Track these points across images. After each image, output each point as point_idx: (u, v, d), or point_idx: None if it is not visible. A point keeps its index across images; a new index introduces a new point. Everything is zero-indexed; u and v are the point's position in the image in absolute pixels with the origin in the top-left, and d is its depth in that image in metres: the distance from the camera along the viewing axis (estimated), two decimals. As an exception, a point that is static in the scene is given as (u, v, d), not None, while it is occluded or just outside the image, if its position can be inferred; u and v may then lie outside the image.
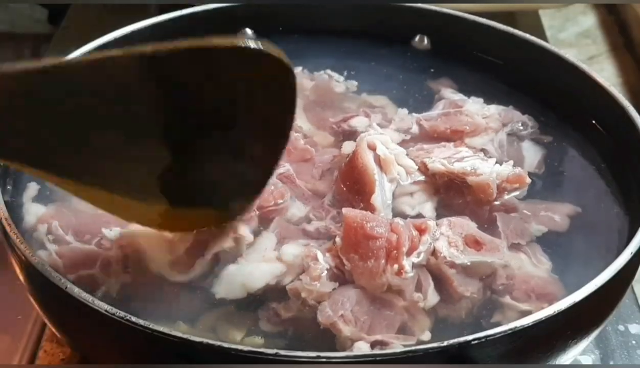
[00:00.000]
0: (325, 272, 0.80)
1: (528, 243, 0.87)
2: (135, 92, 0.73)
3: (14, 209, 0.89)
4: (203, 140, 0.78)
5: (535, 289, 0.82)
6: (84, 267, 0.82)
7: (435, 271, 0.82)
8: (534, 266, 0.85)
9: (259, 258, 0.83)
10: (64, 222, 0.87)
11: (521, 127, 1.03)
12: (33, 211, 0.89)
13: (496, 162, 0.93)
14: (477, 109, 1.05)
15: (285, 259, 0.83)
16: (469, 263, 0.82)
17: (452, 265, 0.81)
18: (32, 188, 0.93)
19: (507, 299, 0.81)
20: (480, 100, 1.08)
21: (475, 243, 0.84)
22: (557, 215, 0.91)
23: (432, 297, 0.80)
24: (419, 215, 0.89)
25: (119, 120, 0.74)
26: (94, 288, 0.81)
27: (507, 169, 0.92)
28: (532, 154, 1.01)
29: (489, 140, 1.00)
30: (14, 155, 0.73)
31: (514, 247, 0.86)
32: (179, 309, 0.80)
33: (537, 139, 1.03)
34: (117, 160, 0.76)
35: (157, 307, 0.80)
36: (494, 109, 1.05)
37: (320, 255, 0.81)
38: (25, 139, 0.72)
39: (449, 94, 1.10)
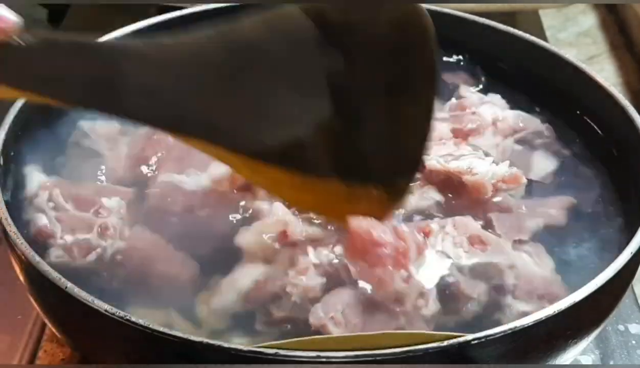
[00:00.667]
0: (312, 266, 0.79)
1: (530, 243, 0.87)
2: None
3: (16, 205, 0.89)
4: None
5: (538, 289, 0.81)
6: (82, 231, 0.85)
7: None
8: (537, 266, 0.84)
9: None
10: (65, 192, 0.89)
11: (535, 136, 1.00)
12: (36, 179, 0.91)
13: (493, 161, 0.92)
14: (491, 113, 1.01)
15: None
16: (474, 264, 0.82)
17: (458, 266, 0.81)
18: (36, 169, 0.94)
19: (509, 299, 0.81)
20: (502, 101, 1.05)
21: (480, 243, 0.84)
22: (553, 209, 0.91)
23: (433, 305, 0.79)
24: (416, 212, 0.89)
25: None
26: (88, 251, 0.83)
27: (503, 168, 0.92)
28: (543, 165, 0.98)
29: (494, 145, 0.98)
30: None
31: (516, 245, 0.86)
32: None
33: (555, 151, 1.00)
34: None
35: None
36: (511, 115, 1.02)
37: (311, 250, 0.81)
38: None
39: (467, 92, 1.06)
